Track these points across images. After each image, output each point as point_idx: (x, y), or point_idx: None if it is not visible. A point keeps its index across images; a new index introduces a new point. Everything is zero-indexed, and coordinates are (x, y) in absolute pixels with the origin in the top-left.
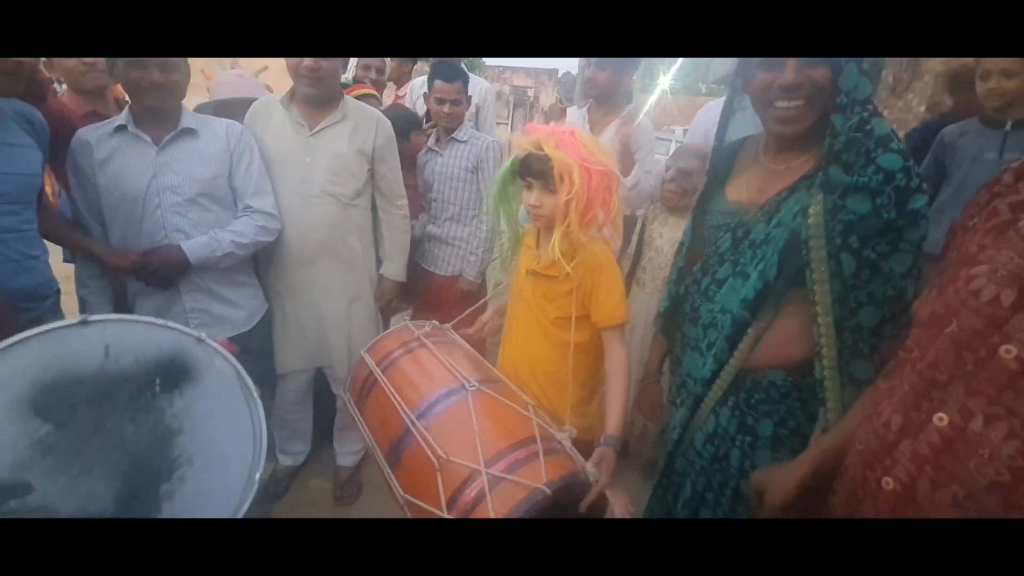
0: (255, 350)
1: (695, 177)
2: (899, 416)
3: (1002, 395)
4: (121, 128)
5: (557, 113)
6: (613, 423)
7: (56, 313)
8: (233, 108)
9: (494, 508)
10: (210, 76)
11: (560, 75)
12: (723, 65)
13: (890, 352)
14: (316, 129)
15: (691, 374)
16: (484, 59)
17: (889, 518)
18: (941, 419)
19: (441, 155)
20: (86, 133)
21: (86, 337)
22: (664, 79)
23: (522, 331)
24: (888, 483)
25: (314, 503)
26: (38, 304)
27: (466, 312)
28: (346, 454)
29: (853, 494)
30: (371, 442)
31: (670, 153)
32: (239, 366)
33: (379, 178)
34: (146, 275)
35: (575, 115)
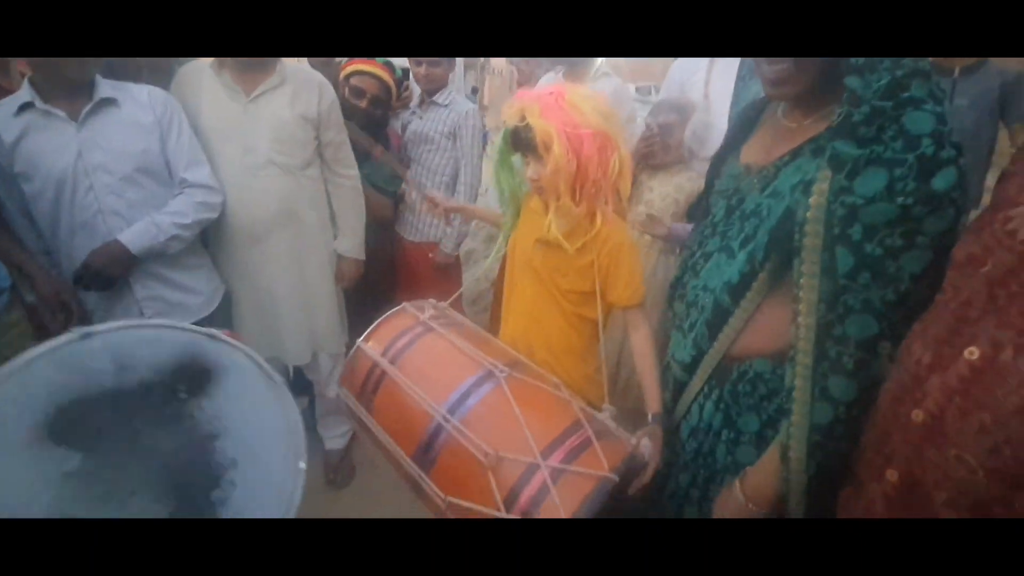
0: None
1: (676, 131)
2: (929, 353)
3: None
4: (28, 106)
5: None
6: (654, 401)
7: (12, 310)
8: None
9: (562, 503)
10: None
11: None
12: None
13: (882, 375)
14: (254, 95)
15: (674, 355)
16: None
17: (918, 446)
18: (972, 352)
19: (420, 118)
20: None
21: (91, 351)
22: None
23: (531, 303)
24: (918, 415)
25: (307, 488)
26: None
27: (451, 299)
28: (333, 437)
29: (884, 430)
30: (388, 443)
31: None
32: (258, 358)
33: (324, 145)
34: (89, 281)
35: (550, 80)
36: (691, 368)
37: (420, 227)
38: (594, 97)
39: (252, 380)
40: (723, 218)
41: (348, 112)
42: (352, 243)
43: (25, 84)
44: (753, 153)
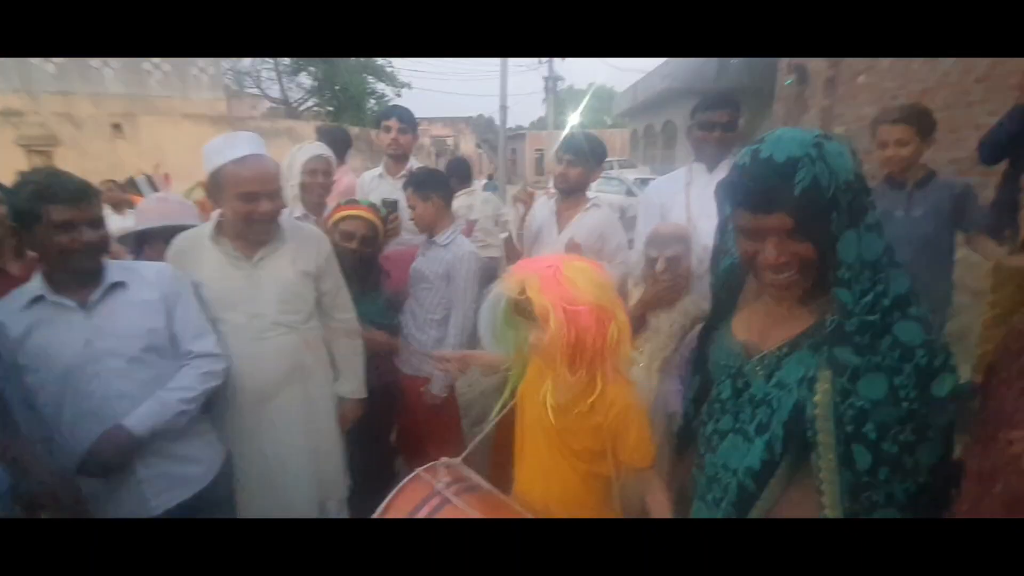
0: (220, 501)
1: (684, 262)
2: None
3: None
4: (38, 299)
5: (525, 196)
6: None
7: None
8: (161, 236)
9: None
10: (136, 200)
11: (475, 117)
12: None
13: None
14: (256, 259)
15: None
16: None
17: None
18: None
19: (423, 255)
20: None
21: None
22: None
23: (545, 461)
24: None
25: None
26: None
27: (464, 454)
28: None
29: None
30: None
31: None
32: None
33: (323, 294)
34: (96, 469)
35: (543, 206)
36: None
37: (413, 362)
38: (589, 269)
39: None
40: (731, 397)
41: (340, 254)
42: (354, 385)
43: (37, 277)
44: (746, 331)
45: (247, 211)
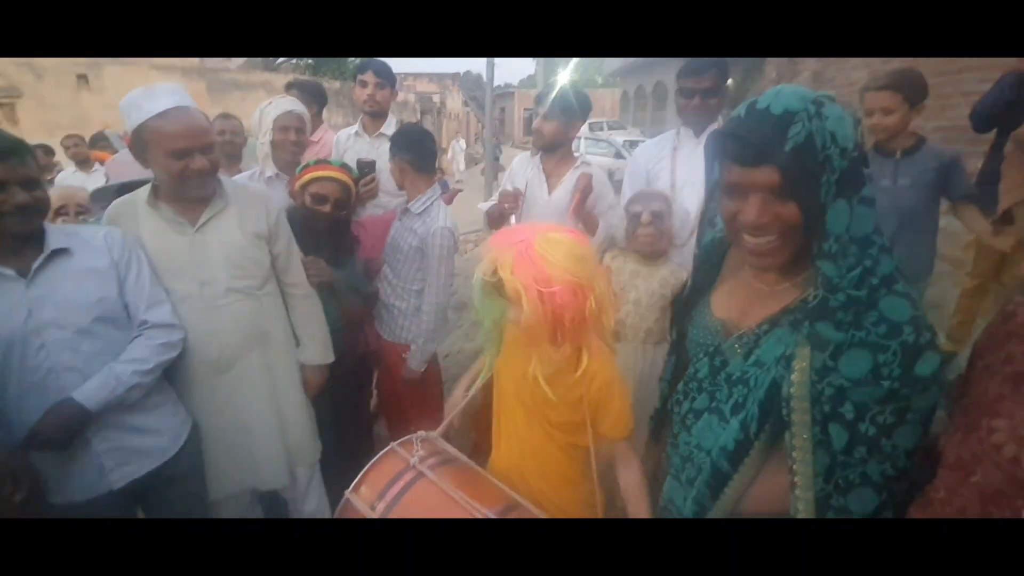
0: (188, 472)
1: (667, 219)
2: None
3: None
4: None
5: (510, 200)
6: None
7: None
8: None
9: None
10: (102, 155)
11: (462, 74)
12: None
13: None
14: (200, 223)
15: (673, 502)
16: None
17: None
18: None
19: (399, 221)
20: None
21: None
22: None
23: (523, 434)
24: None
25: None
26: None
27: (440, 429)
28: None
29: None
30: None
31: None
32: None
33: (275, 257)
34: (43, 444)
35: (527, 164)
36: None
37: (395, 328)
38: (566, 242)
39: None
40: (708, 376)
41: (312, 219)
42: (315, 351)
43: None
44: (726, 308)
45: (179, 169)
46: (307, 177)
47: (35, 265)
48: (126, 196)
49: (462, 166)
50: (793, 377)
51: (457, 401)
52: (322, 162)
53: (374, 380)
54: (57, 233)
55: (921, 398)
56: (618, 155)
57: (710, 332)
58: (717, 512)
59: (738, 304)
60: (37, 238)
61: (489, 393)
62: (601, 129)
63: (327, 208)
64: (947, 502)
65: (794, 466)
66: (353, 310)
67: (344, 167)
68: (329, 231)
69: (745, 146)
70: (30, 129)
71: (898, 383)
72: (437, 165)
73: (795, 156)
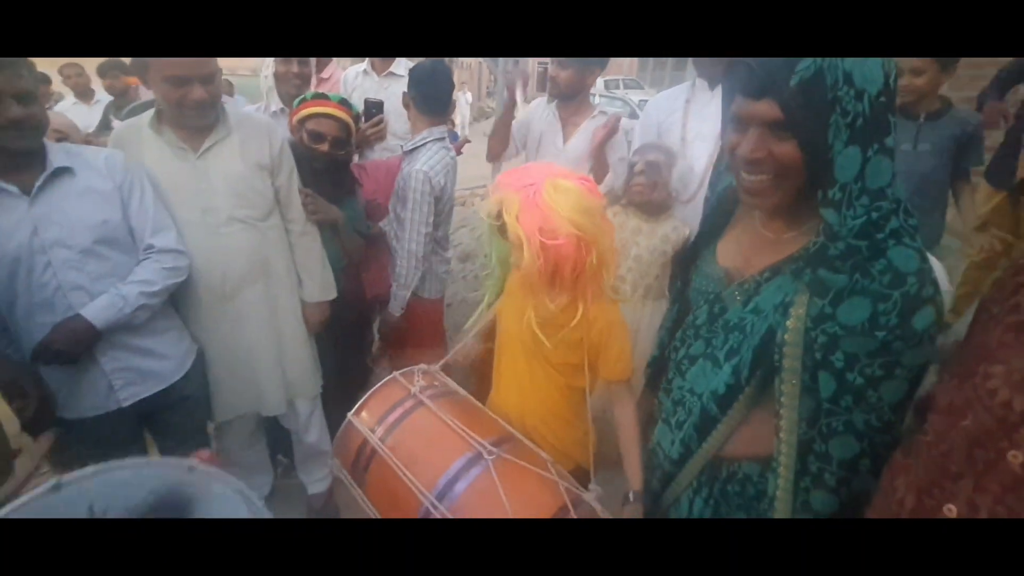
0: (192, 397)
1: (663, 171)
2: (912, 497)
3: (1006, 496)
4: None
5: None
6: (635, 479)
7: None
8: None
9: None
10: (133, 80)
11: None
12: None
13: (862, 487)
14: (201, 150)
15: (660, 444)
16: None
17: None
18: (950, 510)
19: (404, 164)
20: None
21: (66, 501)
22: None
23: (522, 373)
24: None
25: None
26: None
27: (452, 352)
28: (315, 481)
29: None
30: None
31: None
32: (239, 484)
33: (276, 190)
34: (51, 357)
35: (543, 110)
36: (679, 463)
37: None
38: (575, 191)
39: (232, 508)
40: (706, 323)
41: (310, 157)
42: (315, 288)
43: None
44: (731, 257)
45: (178, 96)
46: (303, 112)
47: (37, 183)
48: (131, 119)
49: (468, 119)
50: (788, 323)
51: (469, 350)
52: (319, 96)
53: (376, 323)
54: (59, 152)
55: (912, 353)
56: (632, 114)
57: (712, 280)
58: (701, 455)
59: (743, 252)
60: (39, 156)
61: (490, 343)
62: (617, 87)
63: (324, 147)
64: (933, 445)
65: (780, 411)
66: (354, 250)
67: (343, 103)
68: (327, 170)
69: (752, 76)
70: None
71: (892, 335)
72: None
73: (800, 92)
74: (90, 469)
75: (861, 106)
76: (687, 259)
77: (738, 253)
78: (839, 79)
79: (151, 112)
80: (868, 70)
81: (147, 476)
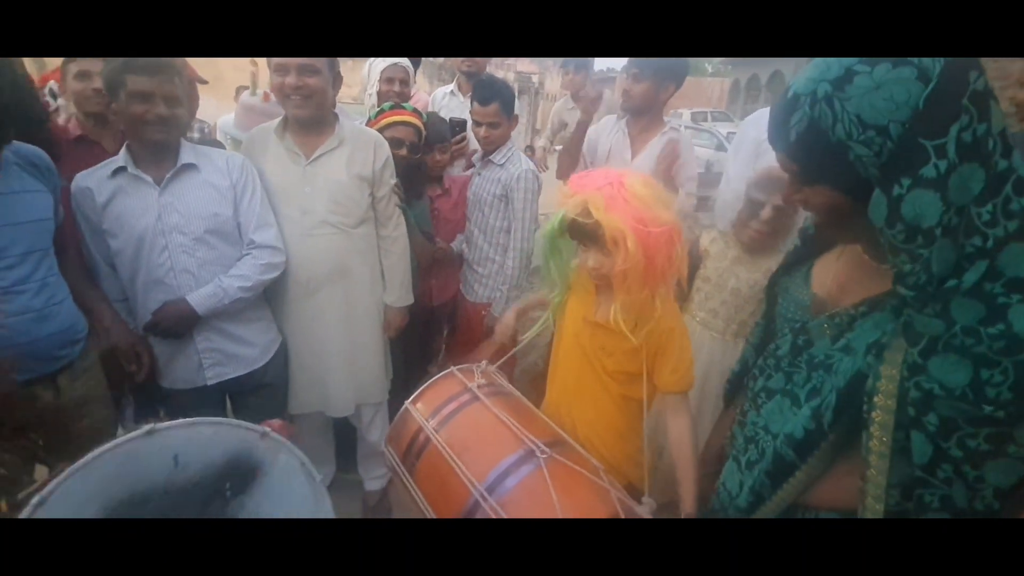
0: (271, 384)
1: (791, 216)
2: None
3: None
4: (121, 170)
5: (592, 97)
6: (688, 501)
7: (88, 356)
8: None
9: None
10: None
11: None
12: None
13: None
14: (312, 157)
15: (726, 485)
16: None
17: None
18: None
19: (479, 175)
20: (85, 179)
21: (155, 448)
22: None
23: (576, 379)
24: None
25: None
26: (70, 349)
27: (500, 360)
28: (373, 479)
29: None
30: (427, 509)
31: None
32: (303, 457)
33: (377, 200)
34: (157, 331)
35: (612, 126)
36: (748, 512)
37: (476, 288)
38: (653, 184)
39: (294, 479)
40: (788, 355)
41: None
42: (400, 294)
43: (123, 150)
44: (826, 283)
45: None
46: (384, 122)
47: (168, 175)
48: (265, 123)
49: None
50: (883, 369)
51: (508, 323)
52: (397, 106)
53: (445, 332)
54: (189, 149)
55: None
56: (719, 147)
57: (800, 307)
58: (773, 505)
59: (840, 279)
60: (174, 152)
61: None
62: (704, 120)
63: (403, 152)
64: None
65: (867, 472)
66: (422, 252)
67: (416, 111)
68: (403, 174)
69: (768, 132)
70: None
71: (1003, 411)
72: (527, 143)
73: (801, 145)
74: (181, 421)
75: (877, 143)
76: (777, 274)
77: (834, 279)
78: (833, 123)
79: (281, 118)
80: (876, 100)
81: (225, 436)
